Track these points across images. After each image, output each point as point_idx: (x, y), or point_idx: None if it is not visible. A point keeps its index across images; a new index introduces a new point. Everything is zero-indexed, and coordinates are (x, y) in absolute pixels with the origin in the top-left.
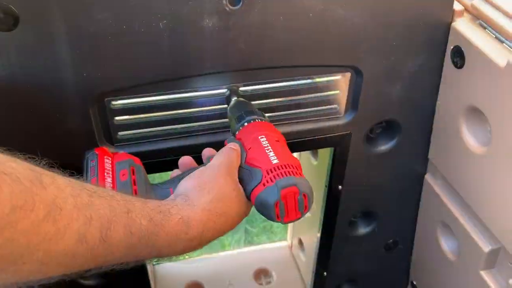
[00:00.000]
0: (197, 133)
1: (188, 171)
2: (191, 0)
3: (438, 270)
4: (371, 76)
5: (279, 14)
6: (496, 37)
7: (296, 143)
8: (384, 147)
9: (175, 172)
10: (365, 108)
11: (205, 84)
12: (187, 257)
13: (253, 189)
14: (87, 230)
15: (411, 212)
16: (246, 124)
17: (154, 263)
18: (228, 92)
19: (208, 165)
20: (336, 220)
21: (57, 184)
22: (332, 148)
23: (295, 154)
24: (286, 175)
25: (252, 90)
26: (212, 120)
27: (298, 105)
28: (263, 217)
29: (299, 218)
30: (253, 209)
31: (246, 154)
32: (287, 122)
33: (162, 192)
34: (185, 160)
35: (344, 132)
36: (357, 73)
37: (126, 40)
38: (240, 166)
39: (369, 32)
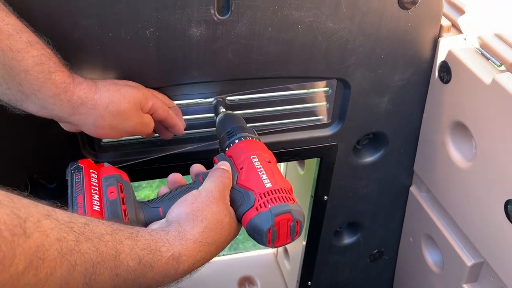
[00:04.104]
0: (183, 142)
1: (177, 190)
2: (179, 9)
3: (422, 282)
4: (359, 88)
5: (267, 25)
6: (482, 54)
7: (283, 153)
8: (370, 158)
9: (163, 189)
10: (352, 120)
11: (192, 93)
12: None
13: (245, 213)
14: (70, 276)
15: (396, 224)
16: (237, 141)
17: None
18: (215, 101)
19: (201, 189)
20: (321, 230)
21: (42, 229)
22: (319, 159)
23: (282, 163)
24: (281, 201)
25: (239, 99)
26: (198, 128)
27: (285, 116)
28: None
29: (289, 243)
30: None
31: (238, 175)
32: (274, 132)
33: (151, 211)
34: (174, 178)
35: (331, 143)
36: (344, 85)
37: (112, 47)
38: (231, 187)
39: (357, 45)
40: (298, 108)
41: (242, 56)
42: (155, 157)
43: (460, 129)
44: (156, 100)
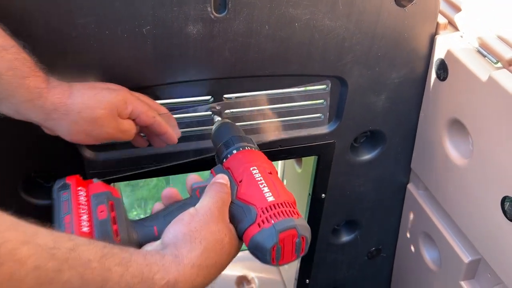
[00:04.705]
0: (179, 141)
1: (172, 206)
2: (176, 7)
3: (419, 279)
4: (356, 86)
5: (264, 23)
6: (479, 51)
7: (280, 151)
8: (367, 156)
9: (157, 206)
10: (349, 117)
11: (189, 91)
12: None
13: (246, 229)
14: None
15: (394, 221)
16: (235, 152)
17: None
18: (212, 99)
19: (198, 207)
20: (319, 228)
21: (17, 258)
22: (316, 157)
23: (280, 162)
24: (284, 216)
25: (236, 97)
26: (194, 127)
27: (282, 114)
28: None
29: (294, 260)
30: None
31: (237, 188)
32: (271, 130)
33: (146, 230)
34: (169, 193)
35: (328, 141)
36: (342, 83)
37: (109, 45)
38: (230, 201)
39: (354, 43)
40: (295, 106)
41: (239, 54)
42: (153, 169)
43: (457, 126)
44: (139, 105)
